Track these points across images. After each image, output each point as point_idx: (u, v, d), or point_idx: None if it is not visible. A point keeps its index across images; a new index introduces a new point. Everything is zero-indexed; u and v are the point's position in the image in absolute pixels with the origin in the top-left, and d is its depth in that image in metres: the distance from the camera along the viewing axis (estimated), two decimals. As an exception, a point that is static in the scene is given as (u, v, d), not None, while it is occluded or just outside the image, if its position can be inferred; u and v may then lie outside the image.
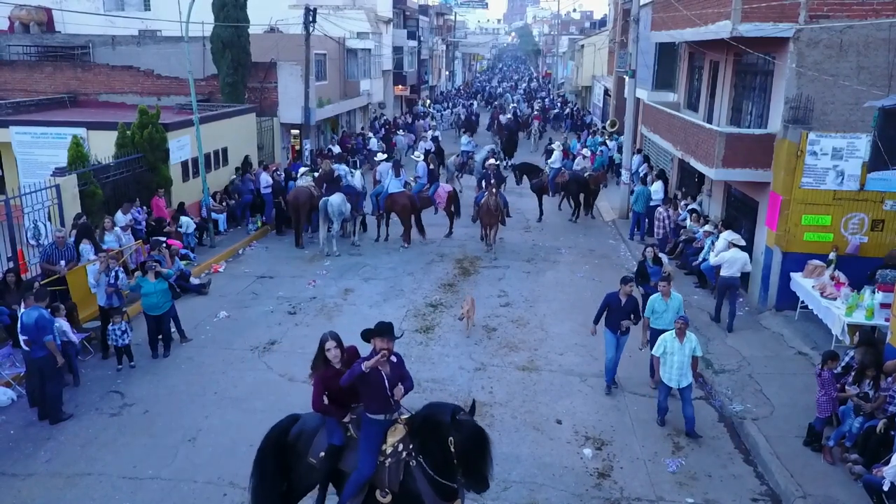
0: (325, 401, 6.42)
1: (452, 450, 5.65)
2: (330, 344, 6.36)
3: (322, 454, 6.33)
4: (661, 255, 12.32)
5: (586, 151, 23.97)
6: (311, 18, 23.10)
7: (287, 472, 6.54)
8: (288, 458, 6.53)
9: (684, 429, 9.03)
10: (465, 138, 26.76)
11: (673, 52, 20.76)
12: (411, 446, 6.05)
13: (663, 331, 9.41)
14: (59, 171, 13.25)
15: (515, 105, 44.29)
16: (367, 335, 6.31)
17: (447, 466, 5.79)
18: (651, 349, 9.61)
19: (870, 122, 11.69)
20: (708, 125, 14.24)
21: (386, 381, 6.16)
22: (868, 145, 11.57)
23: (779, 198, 12.42)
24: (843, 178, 12.02)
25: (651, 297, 10.12)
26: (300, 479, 6.58)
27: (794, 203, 12.27)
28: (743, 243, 12.73)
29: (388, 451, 6.10)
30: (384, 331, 6.17)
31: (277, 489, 6.57)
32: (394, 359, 6.29)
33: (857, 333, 8.98)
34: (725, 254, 12.50)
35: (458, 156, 23.82)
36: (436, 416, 5.92)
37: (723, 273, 12.43)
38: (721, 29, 12.94)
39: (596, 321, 10.27)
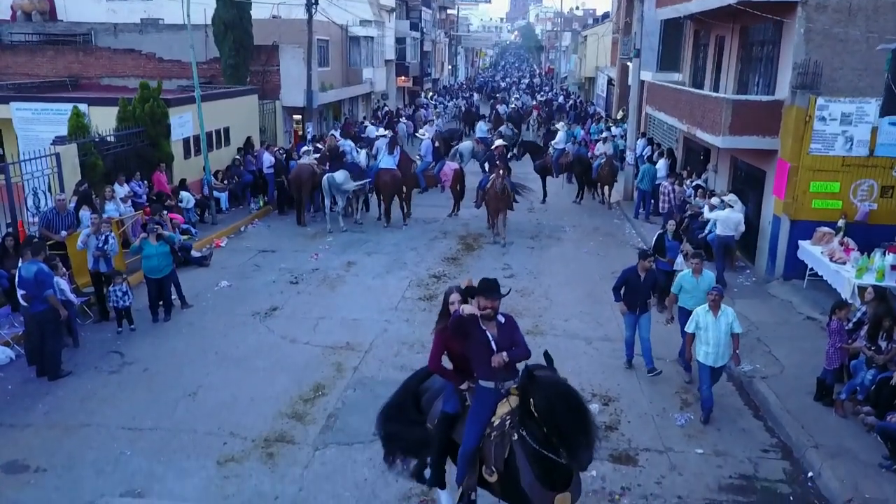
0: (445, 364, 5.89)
1: (535, 413, 5.01)
2: (454, 297, 5.79)
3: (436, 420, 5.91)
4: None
5: (606, 135, 23.25)
6: (313, 0, 22.94)
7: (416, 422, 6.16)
8: (415, 411, 6.17)
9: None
10: (482, 124, 26.39)
11: (677, 33, 20.63)
12: (515, 419, 5.40)
13: (691, 312, 8.74)
14: (59, 140, 13.14)
15: (518, 97, 44.23)
16: (469, 294, 5.72)
17: (546, 437, 5.06)
18: (680, 325, 9.24)
19: (878, 87, 11.58)
20: (714, 94, 14.13)
21: (493, 344, 5.52)
22: (877, 110, 11.46)
23: (787, 165, 12.27)
24: (852, 144, 11.87)
25: (681, 274, 9.52)
26: (421, 443, 6.12)
27: (803, 170, 12.12)
28: (741, 205, 12.67)
29: (496, 423, 5.48)
30: (487, 288, 5.52)
31: (409, 433, 6.18)
32: (501, 319, 5.65)
33: (869, 289, 8.83)
34: (721, 212, 12.46)
35: (476, 142, 23.11)
36: (523, 378, 5.24)
37: (718, 232, 12.40)
38: (728, -6, 12.81)
39: (617, 296, 9.44)
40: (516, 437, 5.27)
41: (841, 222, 11.93)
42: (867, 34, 11.84)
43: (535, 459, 5.14)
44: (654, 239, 11.92)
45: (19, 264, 9.13)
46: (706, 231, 14.24)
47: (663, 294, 10.69)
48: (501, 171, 15.70)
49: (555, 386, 5.02)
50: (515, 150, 22.61)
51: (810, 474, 7.20)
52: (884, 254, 10.58)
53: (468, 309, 5.52)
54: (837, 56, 12.01)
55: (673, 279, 9.94)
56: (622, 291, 9.38)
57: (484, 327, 5.53)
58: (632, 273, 9.29)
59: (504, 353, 5.47)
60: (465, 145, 22.34)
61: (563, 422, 4.90)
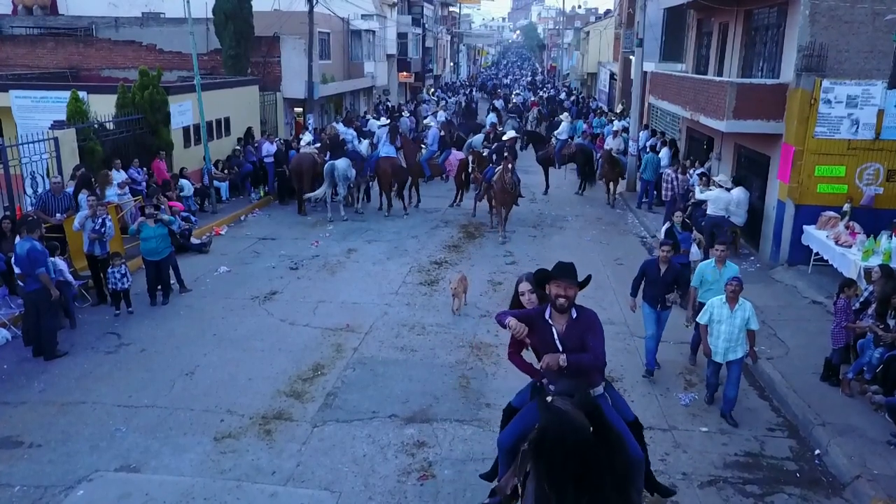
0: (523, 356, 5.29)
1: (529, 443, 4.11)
2: (524, 286, 5.20)
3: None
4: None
5: (617, 125, 22.65)
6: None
7: None
8: None
9: (721, 408, 7.73)
10: (492, 115, 26.31)
11: (680, 24, 20.51)
12: None
13: None
14: (57, 124, 13.04)
15: (519, 93, 44.24)
16: (541, 279, 4.93)
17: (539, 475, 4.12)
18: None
19: (885, 69, 11.49)
20: (718, 78, 13.99)
21: (556, 340, 4.76)
22: (884, 92, 11.36)
23: (791, 149, 12.13)
24: (857, 127, 11.73)
25: (701, 265, 8.76)
26: None
27: (808, 154, 11.99)
28: (729, 186, 12.62)
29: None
30: (561, 273, 4.69)
31: None
32: (573, 314, 4.84)
33: (876, 268, 8.69)
34: (711, 192, 12.42)
35: (484, 131, 22.77)
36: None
37: (709, 211, 12.34)
38: (732, -23, 12.68)
39: (633, 293, 8.76)
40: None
41: (846, 207, 11.80)
42: (874, 16, 11.71)
43: (537, 488, 4.01)
44: (664, 233, 11.13)
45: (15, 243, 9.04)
46: (709, 218, 14.16)
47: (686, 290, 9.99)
48: (511, 165, 14.88)
49: (559, 422, 3.83)
50: (520, 141, 22.45)
51: (817, 452, 7.07)
52: (890, 236, 10.45)
53: (514, 325, 4.76)
54: (843, 38, 11.86)
55: (692, 272, 9.17)
56: (642, 285, 8.69)
57: (550, 321, 4.78)
58: (651, 266, 8.60)
59: (563, 356, 4.58)
60: (477, 138, 22.09)
61: (550, 467, 3.79)
